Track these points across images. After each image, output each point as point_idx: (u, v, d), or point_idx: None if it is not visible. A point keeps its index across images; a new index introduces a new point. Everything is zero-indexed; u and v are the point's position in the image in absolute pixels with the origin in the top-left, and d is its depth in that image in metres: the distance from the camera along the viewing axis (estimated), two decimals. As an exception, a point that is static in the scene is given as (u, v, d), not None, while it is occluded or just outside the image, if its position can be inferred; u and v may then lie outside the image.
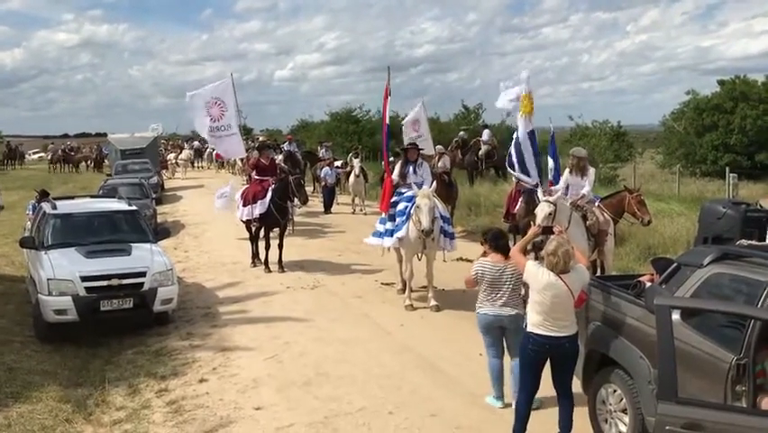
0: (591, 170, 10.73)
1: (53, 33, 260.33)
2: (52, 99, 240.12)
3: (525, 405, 6.04)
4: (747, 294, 4.97)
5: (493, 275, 6.67)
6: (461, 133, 26.65)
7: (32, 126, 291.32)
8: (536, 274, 5.79)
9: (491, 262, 6.75)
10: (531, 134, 11.21)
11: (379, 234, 11.17)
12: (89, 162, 46.23)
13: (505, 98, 13.75)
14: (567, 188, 10.51)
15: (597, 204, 10.75)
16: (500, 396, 6.97)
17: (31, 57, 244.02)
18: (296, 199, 13.58)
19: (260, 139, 18.97)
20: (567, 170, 10.73)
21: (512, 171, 11.83)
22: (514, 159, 11.33)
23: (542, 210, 9.44)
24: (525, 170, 11.25)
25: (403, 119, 18.44)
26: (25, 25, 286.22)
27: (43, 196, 14.13)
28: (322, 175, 22.49)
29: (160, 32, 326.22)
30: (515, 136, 11.43)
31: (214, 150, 18.95)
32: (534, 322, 5.80)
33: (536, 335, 5.79)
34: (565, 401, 6.02)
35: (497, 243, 6.80)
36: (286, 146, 25.10)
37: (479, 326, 6.91)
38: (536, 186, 11.04)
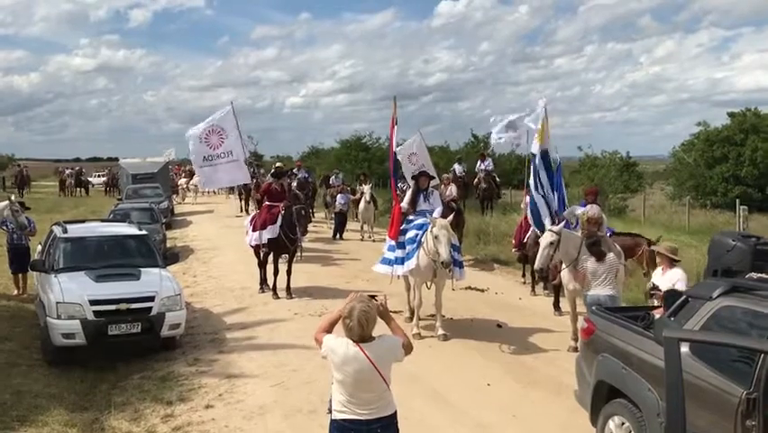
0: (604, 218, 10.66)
1: (70, 58, 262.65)
2: (66, 123, 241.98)
3: None
4: (757, 327, 4.94)
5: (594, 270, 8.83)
6: (457, 165, 25.89)
7: (45, 150, 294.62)
8: (334, 347, 4.72)
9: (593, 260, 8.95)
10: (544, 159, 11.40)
11: (389, 262, 11.12)
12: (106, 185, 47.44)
13: (495, 131, 13.94)
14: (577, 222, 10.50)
15: (609, 236, 10.70)
16: None
17: (47, 81, 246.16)
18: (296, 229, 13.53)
19: (277, 165, 18.99)
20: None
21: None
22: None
23: (544, 239, 9.47)
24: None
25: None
26: (43, 50, 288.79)
27: None
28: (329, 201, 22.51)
29: (176, 58, 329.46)
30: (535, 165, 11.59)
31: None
32: (337, 406, 4.75)
33: (341, 420, 4.71)
34: None
35: (592, 249, 8.85)
36: (298, 172, 25.24)
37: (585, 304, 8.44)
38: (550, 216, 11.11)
